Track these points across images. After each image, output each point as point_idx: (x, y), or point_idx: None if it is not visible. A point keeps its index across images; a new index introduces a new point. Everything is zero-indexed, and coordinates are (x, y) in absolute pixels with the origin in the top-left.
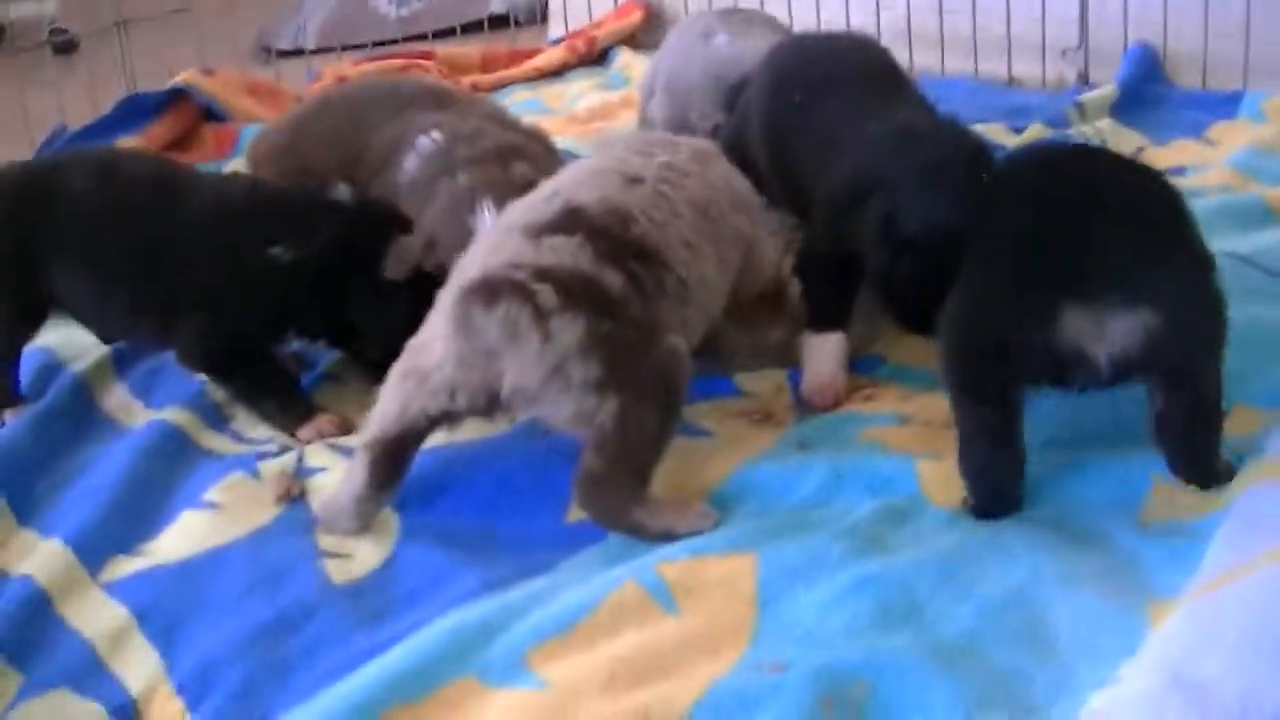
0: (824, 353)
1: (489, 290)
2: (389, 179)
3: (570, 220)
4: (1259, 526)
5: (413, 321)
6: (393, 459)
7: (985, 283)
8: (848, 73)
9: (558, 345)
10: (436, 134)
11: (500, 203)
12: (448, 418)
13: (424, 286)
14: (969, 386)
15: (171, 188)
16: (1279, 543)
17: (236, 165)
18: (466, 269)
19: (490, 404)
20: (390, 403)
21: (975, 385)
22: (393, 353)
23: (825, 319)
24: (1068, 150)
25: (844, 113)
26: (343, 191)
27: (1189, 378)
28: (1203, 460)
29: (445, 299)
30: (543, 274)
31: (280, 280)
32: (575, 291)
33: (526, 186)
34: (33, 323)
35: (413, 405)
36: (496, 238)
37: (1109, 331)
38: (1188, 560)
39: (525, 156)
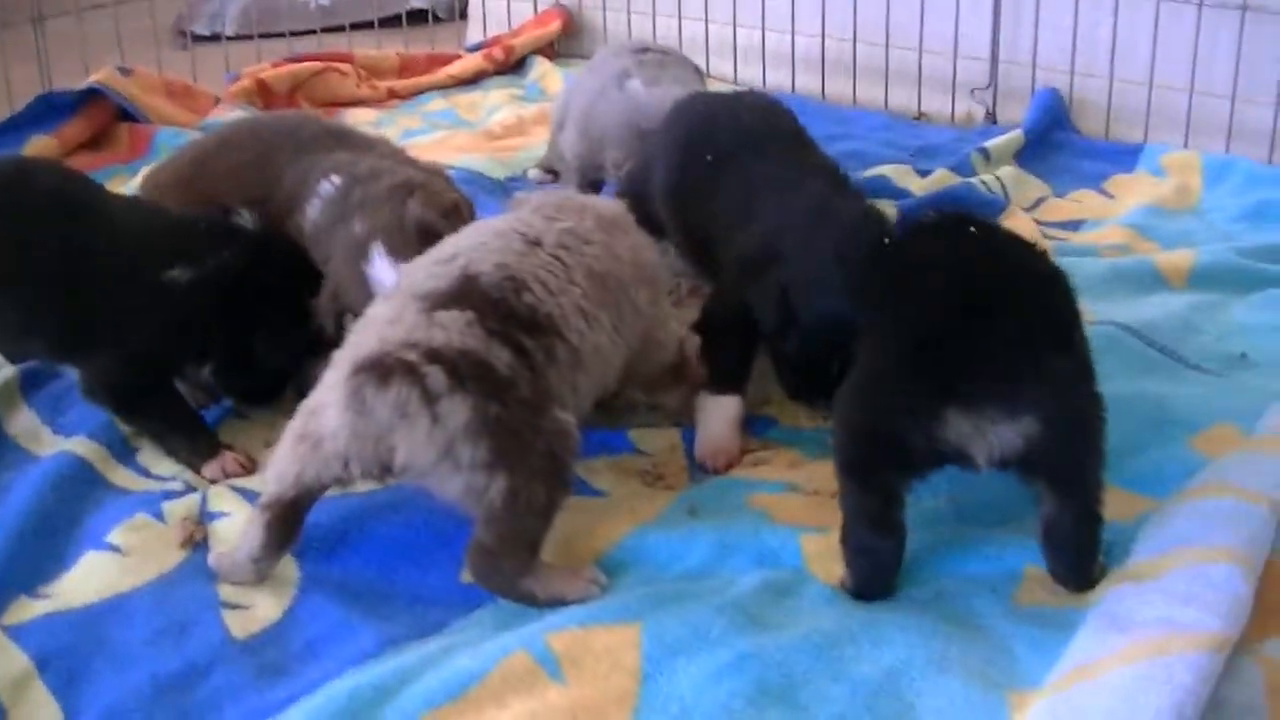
0: (720, 415)
1: (381, 370)
2: (295, 224)
3: (464, 290)
4: (1116, 626)
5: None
6: (289, 520)
7: (874, 374)
8: (755, 137)
9: (446, 427)
10: (335, 178)
11: (394, 245)
12: (342, 481)
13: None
14: (853, 471)
15: (75, 207)
16: (1131, 643)
17: (150, 167)
18: (363, 338)
19: (383, 473)
20: (286, 465)
21: (859, 471)
22: (280, 384)
23: (723, 380)
24: (964, 234)
25: (751, 179)
26: (247, 219)
27: (1073, 483)
28: (1082, 569)
29: (340, 367)
30: (433, 355)
31: (177, 303)
32: (464, 374)
33: (421, 225)
34: None
35: (308, 471)
36: (395, 306)
37: (989, 435)
38: (1052, 651)
39: (422, 191)
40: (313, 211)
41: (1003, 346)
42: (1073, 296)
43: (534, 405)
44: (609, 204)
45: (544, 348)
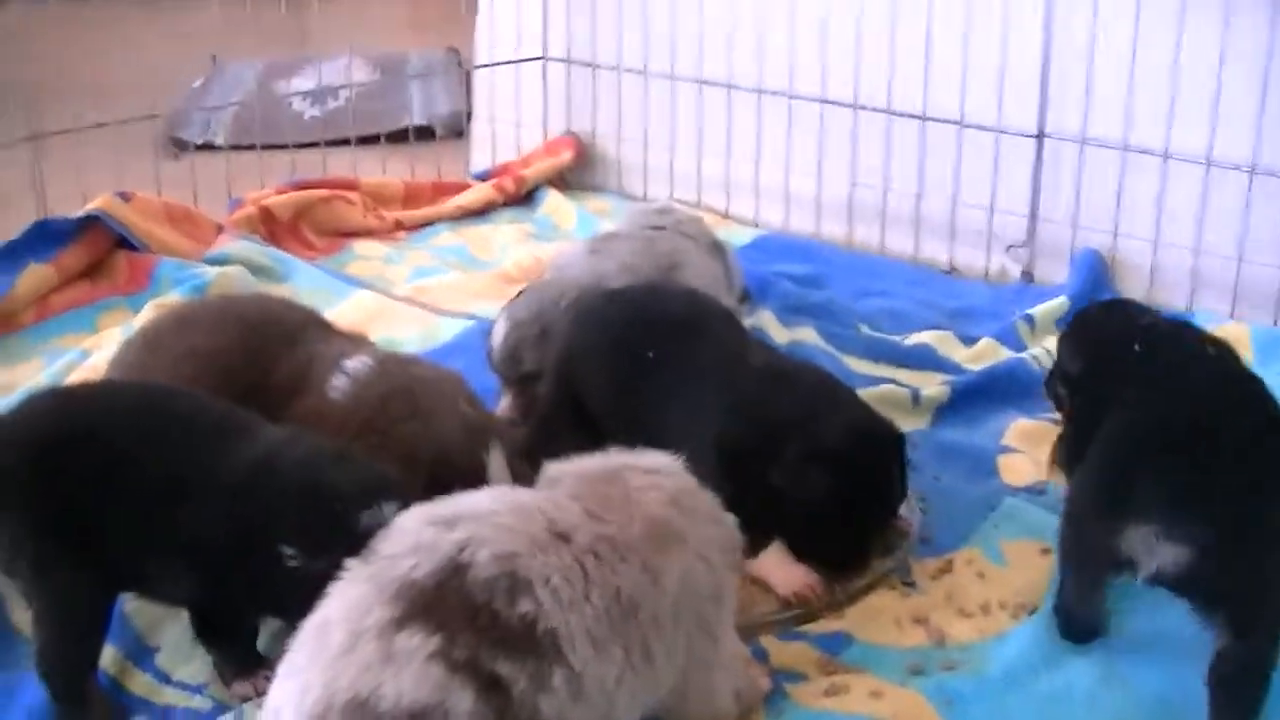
0: (777, 559)
1: None
2: (307, 403)
3: (443, 590)
4: None
5: None
6: None
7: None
8: (694, 320)
9: None
10: (364, 357)
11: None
12: None
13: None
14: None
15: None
16: None
17: (150, 300)
18: (315, 662)
19: None
20: None
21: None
22: None
23: (757, 538)
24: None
25: (711, 362)
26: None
27: (1243, 620)
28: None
29: (289, 686)
30: None
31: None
32: None
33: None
34: None
35: None
36: (360, 609)
37: (1159, 551)
38: None
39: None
40: (340, 384)
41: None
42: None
43: None
44: (680, 485)
45: (531, 674)
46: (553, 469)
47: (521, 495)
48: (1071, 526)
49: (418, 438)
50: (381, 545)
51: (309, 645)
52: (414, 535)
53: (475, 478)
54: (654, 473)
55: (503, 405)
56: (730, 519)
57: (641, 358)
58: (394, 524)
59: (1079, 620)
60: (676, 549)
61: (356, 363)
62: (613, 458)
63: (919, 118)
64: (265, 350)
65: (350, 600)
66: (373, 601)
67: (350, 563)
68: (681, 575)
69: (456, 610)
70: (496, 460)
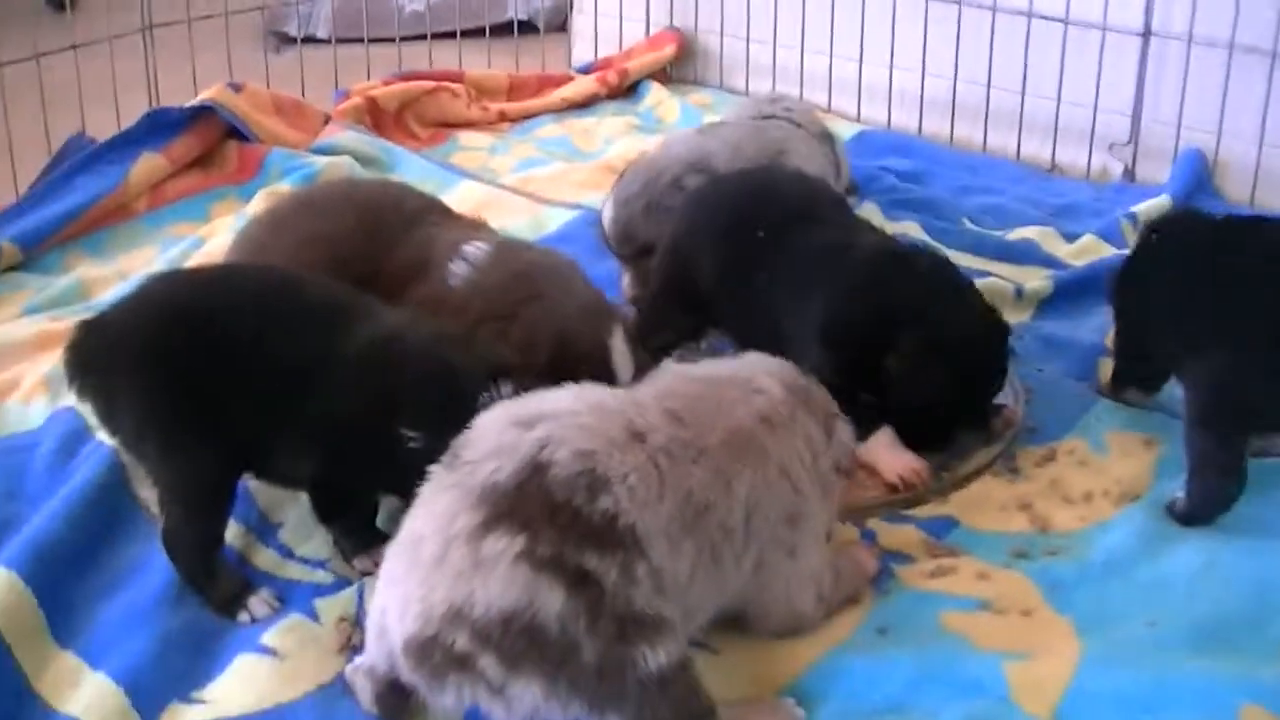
0: (884, 444)
1: (431, 668)
2: (424, 290)
3: (524, 490)
4: None
5: None
6: (397, 691)
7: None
8: (806, 207)
9: (524, 704)
10: (480, 243)
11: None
12: None
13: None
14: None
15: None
16: None
17: (260, 189)
18: (410, 573)
19: None
20: (375, 653)
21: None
22: None
23: (865, 424)
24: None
25: (824, 246)
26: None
27: None
28: None
29: (394, 583)
30: (482, 635)
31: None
32: (518, 652)
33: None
34: None
35: (394, 669)
36: (447, 514)
37: None
38: None
39: None
40: (459, 270)
41: None
42: None
43: (606, 669)
44: (777, 403)
45: (620, 565)
46: (663, 367)
47: (603, 395)
48: (1236, 393)
49: (540, 320)
50: (463, 450)
51: (406, 555)
52: (495, 437)
53: (598, 360)
54: (754, 390)
55: (624, 283)
56: (837, 447)
57: (751, 241)
58: (475, 425)
59: (1227, 493)
60: (754, 460)
61: (475, 248)
62: (725, 367)
63: (1024, 14)
64: (384, 234)
65: (438, 508)
66: (459, 508)
67: (435, 470)
68: (756, 487)
69: (538, 509)
70: (619, 342)
